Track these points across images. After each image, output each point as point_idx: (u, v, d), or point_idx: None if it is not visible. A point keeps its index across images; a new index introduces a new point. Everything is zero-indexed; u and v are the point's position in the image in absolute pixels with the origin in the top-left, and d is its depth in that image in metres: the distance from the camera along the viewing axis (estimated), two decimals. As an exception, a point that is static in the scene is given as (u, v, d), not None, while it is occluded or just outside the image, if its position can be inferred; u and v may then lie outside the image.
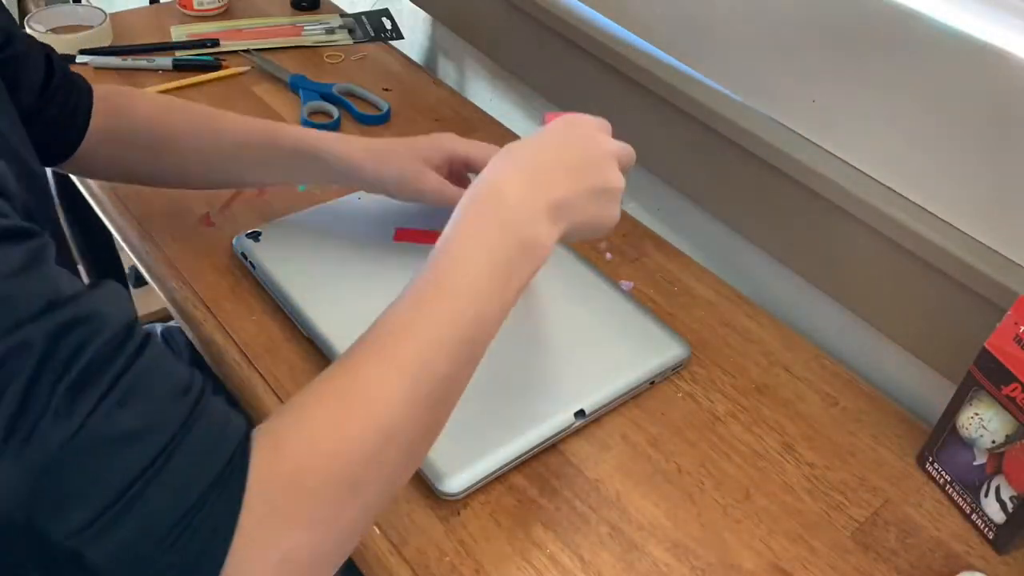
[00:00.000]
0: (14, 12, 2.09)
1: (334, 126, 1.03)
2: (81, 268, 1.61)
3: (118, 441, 0.40)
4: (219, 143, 0.77)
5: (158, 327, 0.97)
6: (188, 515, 0.40)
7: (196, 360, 0.85)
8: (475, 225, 0.52)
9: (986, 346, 0.64)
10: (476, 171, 0.76)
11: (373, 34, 1.23)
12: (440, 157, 0.75)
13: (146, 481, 0.40)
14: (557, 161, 0.56)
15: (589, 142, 0.59)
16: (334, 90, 1.07)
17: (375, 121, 1.04)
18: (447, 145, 0.76)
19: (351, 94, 1.08)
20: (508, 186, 0.53)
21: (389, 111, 1.05)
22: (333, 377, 0.46)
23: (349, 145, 0.75)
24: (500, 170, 0.55)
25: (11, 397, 0.38)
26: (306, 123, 1.01)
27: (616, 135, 1.01)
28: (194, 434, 0.42)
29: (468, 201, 0.54)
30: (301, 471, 0.43)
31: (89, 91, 0.75)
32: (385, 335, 0.48)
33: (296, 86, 1.08)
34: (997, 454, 0.65)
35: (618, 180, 0.59)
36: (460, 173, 0.78)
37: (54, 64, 0.72)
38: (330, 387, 0.46)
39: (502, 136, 1.07)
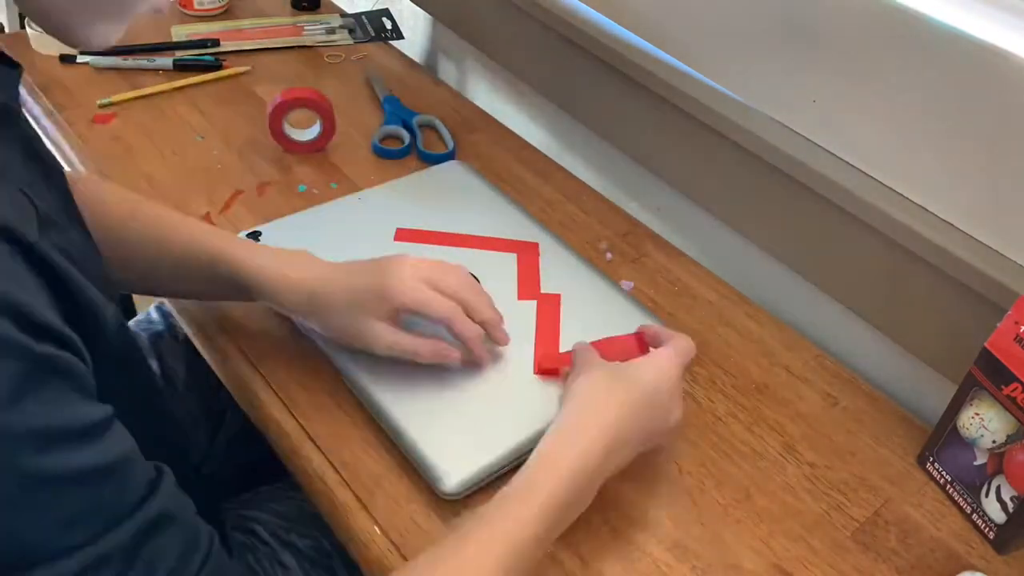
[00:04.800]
0: (14, 12, 2.09)
1: (403, 152, 0.99)
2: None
3: None
4: (163, 262, 0.71)
5: (152, 311, 0.97)
6: None
7: (191, 352, 0.84)
8: (549, 479, 0.56)
9: (986, 346, 0.64)
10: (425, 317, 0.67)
11: (373, 34, 1.23)
12: (386, 310, 0.66)
13: None
14: (634, 430, 0.60)
15: (666, 410, 0.63)
16: (415, 121, 1.04)
17: (436, 159, 0.98)
18: (395, 300, 0.65)
19: (431, 127, 1.05)
20: (588, 458, 0.57)
21: (453, 151, 1.01)
22: None
23: (289, 287, 0.68)
24: (584, 433, 0.58)
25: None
26: (376, 147, 0.99)
27: (617, 135, 1.02)
28: None
29: (550, 447, 0.58)
30: None
31: None
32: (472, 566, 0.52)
33: (385, 106, 1.07)
34: (998, 454, 0.65)
35: (677, 415, 0.64)
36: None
37: None
38: None
39: (502, 135, 1.07)
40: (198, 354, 0.79)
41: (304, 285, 0.68)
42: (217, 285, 0.70)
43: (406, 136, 1.02)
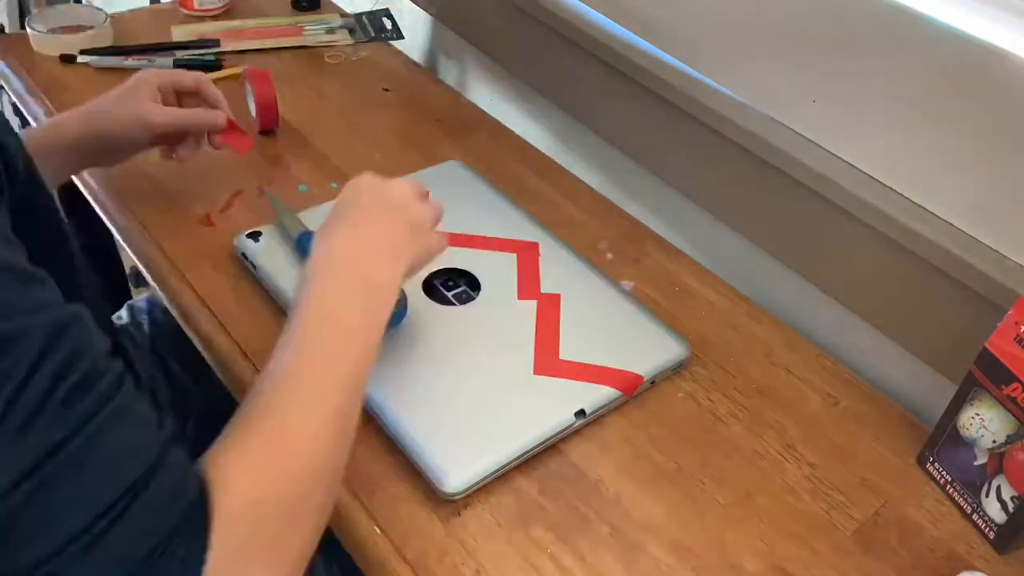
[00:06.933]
0: (14, 12, 2.09)
1: None
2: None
3: (110, 455, 0.41)
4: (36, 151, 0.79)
5: (143, 300, 0.97)
6: (163, 543, 0.41)
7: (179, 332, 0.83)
8: (323, 285, 0.58)
9: (987, 346, 0.64)
10: (184, 92, 0.86)
11: (373, 34, 1.23)
12: (149, 94, 0.82)
13: (128, 502, 0.40)
14: (366, 214, 0.63)
15: (382, 191, 0.66)
16: None
17: None
18: (153, 81, 0.83)
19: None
20: (337, 249, 0.60)
21: None
22: (263, 420, 0.50)
23: (76, 128, 0.80)
24: (324, 241, 0.61)
25: (11, 383, 0.38)
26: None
27: (617, 135, 1.02)
28: (169, 463, 0.43)
29: (308, 270, 0.59)
30: (253, 508, 0.46)
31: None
32: (295, 382, 0.52)
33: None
34: (998, 454, 0.65)
35: (423, 212, 0.66)
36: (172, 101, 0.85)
37: None
38: (263, 429, 0.50)
39: (502, 136, 1.07)
40: (184, 335, 0.79)
41: (81, 119, 0.81)
42: (57, 156, 0.80)
43: None
